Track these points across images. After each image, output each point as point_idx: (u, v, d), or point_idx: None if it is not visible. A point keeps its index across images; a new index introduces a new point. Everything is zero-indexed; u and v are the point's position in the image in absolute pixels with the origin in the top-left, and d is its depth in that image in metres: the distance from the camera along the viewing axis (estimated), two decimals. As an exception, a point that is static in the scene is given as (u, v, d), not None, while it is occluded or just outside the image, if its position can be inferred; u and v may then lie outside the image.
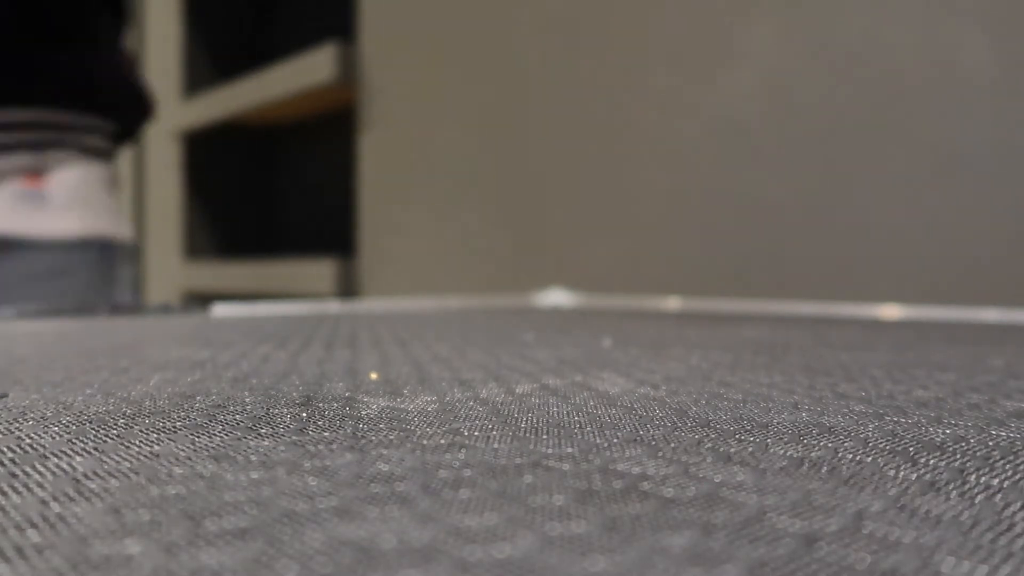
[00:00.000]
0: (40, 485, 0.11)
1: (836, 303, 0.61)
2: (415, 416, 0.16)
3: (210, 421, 0.15)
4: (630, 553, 0.08)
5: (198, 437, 0.14)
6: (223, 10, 1.65)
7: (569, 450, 0.13)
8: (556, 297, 0.74)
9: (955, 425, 0.15)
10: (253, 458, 0.12)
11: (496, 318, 0.45)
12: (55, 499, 0.10)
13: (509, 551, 0.08)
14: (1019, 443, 0.14)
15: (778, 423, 0.15)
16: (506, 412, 0.16)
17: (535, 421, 0.15)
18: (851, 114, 0.63)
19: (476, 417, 0.16)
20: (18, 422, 0.15)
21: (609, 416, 0.16)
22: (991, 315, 0.48)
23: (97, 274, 0.56)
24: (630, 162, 0.80)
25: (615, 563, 0.08)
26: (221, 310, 0.54)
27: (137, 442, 0.14)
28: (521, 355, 0.26)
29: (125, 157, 1.75)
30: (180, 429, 0.15)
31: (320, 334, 0.33)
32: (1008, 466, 0.12)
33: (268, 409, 0.17)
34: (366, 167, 1.16)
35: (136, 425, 0.15)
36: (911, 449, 0.13)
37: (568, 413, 0.16)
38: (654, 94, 0.77)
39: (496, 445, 0.13)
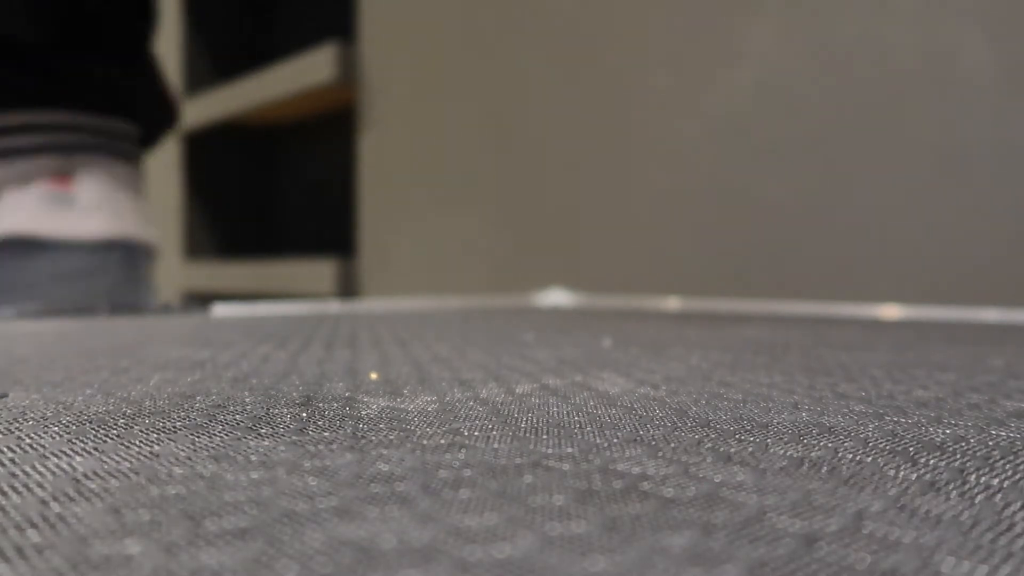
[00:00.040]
0: (40, 485, 0.11)
1: (836, 303, 0.61)
2: (415, 416, 0.16)
3: (210, 421, 0.15)
4: (630, 553, 0.08)
5: (198, 437, 0.14)
6: (223, 10, 1.65)
7: (569, 450, 0.13)
8: (556, 297, 0.74)
9: (955, 425, 0.15)
10: (253, 458, 0.12)
11: (496, 318, 0.45)
12: (55, 499, 0.10)
13: (509, 551, 0.08)
14: (1019, 443, 0.14)
15: (778, 423, 0.15)
16: (506, 412, 0.16)
17: (535, 421, 0.15)
18: (851, 114, 0.63)
19: (476, 417, 0.16)
20: (18, 422, 0.15)
21: (609, 416, 0.16)
22: (991, 315, 0.48)
23: (122, 276, 0.57)
24: (630, 162, 0.80)
25: (615, 563, 0.08)
26: (221, 310, 0.54)
27: (137, 442, 0.14)
28: (521, 355, 0.26)
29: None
30: (180, 429, 0.15)
31: (320, 334, 0.33)
32: (1008, 466, 0.12)
33: (268, 409, 0.17)
34: (366, 167, 1.16)
35: (136, 425, 0.15)
36: (911, 449, 0.13)
37: (568, 413, 0.16)
38: (654, 94, 0.77)
39: (496, 445, 0.13)
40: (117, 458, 0.12)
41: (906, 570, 0.08)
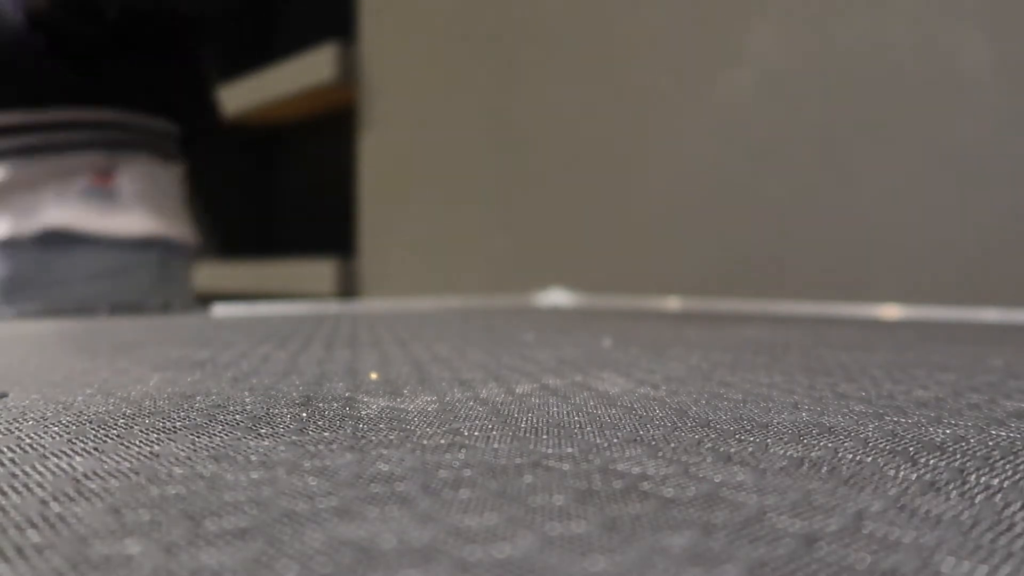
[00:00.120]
0: (40, 485, 0.11)
1: (836, 303, 0.61)
2: (415, 416, 0.16)
3: (210, 421, 0.15)
4: (630, 553, 0.08)
5: (198, 437, 0.14)
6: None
7: (569, 450, 0.13)
8: (556, 297, 0.74)
9: (955, 425, 0.15)
10: (253, 458, 0.12)
11: (496, 318, 0.45)
12: (55, 499, 0.10)
13: (509, 551, 0.08)
14: (1019, 443, 0.14)
15: (778, 423, 0.15)
16: (506, 412, 0.16)
17: (535, 421, 0.15)
18: (851, 114, 0.63)
19: (476, 417, 0.16)
20: (18, 422, 0.15)
21: (609, 416, 0.16)
22: (991, 315, 0.48)
23: (158, 274, 0.58)
24: (630, 162, 0.80)
25: (615, 563, 0.08)
26: (221, 310, 0.54)
27: (137, 442, 0.14)
28: (521, 355, 0.26)
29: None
30: (180, 429, 0.15)
31: (320, 334, 0.33)
32: (1008, 466, 0.12)
33: (268, 409, 0.17)
34: (366, 167, 1.16)
35: (136, 425, 0.15)
36: (911, 449, 0.13)
37: (568, 413, 0.16)
38: (655, 94, 0.77)
39: (496, 445, 0.13)
40: (117, 458, 0.12)
41: (906, 570, 0.08)
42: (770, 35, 0.68)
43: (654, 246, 0.77)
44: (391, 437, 0.14)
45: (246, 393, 0.19)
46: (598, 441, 0.14)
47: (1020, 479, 0.12)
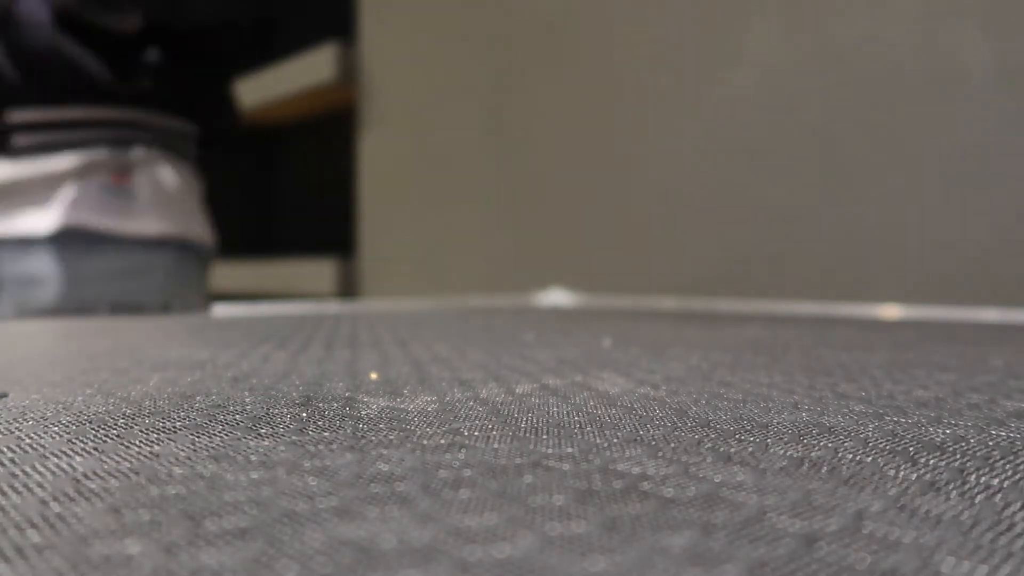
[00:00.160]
0: (40, 485, 0.11)
1: (836, 303, 0.61)
2: (415, 416, 0.16)
3: (210, 421, 0.15)
4: (630, 553, 0.08)
5: (198, 437, 0.14)
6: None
7: (569, 450, 0.13)
8: (556, 297, 0.74)
9: (955, 425, 0.15)
10: (253, 458, 0.12)
11: (496, 318, 0.45)
12: (55, 499, 0.10)
13: (509, 551, 0.08)
14: (1019, 443, 0.14)
15: (778, 423, 0.15)
16: (506, 412, 0.16)
17: (535, 421, 0.15)
18: (851, 114, 0.63)
19: (476, 417, 0.16)
20: (18, 422, 0.15)
21: (609, 416, 0.16)
22: (991, 315, 0.48)
23: (174, 274, 0.58)
24: (630, 162, 0.80)
25: (615, 563, 0.08)
26: (221, 310, 0.54)
27: (137, 442, 0.14)
28: (521, 355, 0.26)
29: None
30: (180, 429, 0.15)
31: (320, 334, 0.33)
32: (1008, 466, 0.12)
33: (268, 409, 0.17)
34: (366, 167, 1.16)
35: (136, 425, 0.15)
36: (911, 449, 0.13)
37: (568, 413, 0.16)
38: (655, 94, 0.77)
39: (496, 445, 0.13)
40: (117, 458, 0.12)
41: (906, 570, 0.08)
42: (770, 35, 0.68)
43: (654, 246, 0.77)
44: (391, 437, 0.14)
45: (246, 393, 0.19)
46: (598, 441, 0.14)
47: (1020, 479, 0.12)
